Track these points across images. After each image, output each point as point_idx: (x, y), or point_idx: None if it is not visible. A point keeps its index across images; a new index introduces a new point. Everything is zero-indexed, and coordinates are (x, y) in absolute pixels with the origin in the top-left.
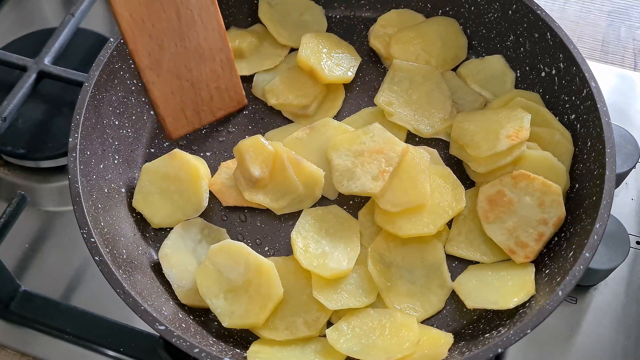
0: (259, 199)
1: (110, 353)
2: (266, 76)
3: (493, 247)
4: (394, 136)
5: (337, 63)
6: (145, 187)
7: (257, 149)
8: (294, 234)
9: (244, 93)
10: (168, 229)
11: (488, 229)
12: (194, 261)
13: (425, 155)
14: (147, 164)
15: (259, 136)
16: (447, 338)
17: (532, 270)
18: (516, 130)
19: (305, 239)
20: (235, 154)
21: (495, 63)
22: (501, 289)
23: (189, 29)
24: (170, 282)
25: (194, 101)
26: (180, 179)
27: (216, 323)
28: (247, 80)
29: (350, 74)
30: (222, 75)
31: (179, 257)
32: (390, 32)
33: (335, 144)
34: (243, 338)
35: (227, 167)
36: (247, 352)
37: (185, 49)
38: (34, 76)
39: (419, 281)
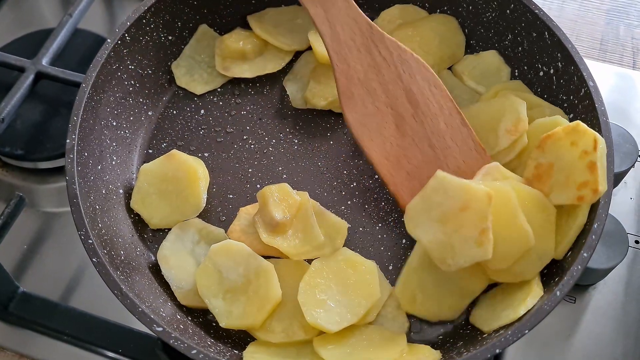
0: (277, 242)
1: (109, 354)
2: (294, 86)
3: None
4: (464, 180)
5: None
6: (143, 188)
7: (283, 194)
8: (316, 262)
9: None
10: (166, 230)
11: (553, 200)
12: (192, 262)
13: (510, 192)
14: (145, 165)
15: (286, 184)
16: (435, 355)
17: (536, 276)
18: (514, 123)
19: (317, 274)
20: (259, 197)
21: (491, 58)
22: (511, 302)
23: (446, 156)
24: (170, 283)
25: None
26: (179, 179)
27: (214, 324)
28: (250, 81)
29: None
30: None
31: (178, 258)
32: (391, 28)
33: (410, 216)
34: (241, 339)
35: (247, 212)
36: (244, 352)
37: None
38: (31, 77)
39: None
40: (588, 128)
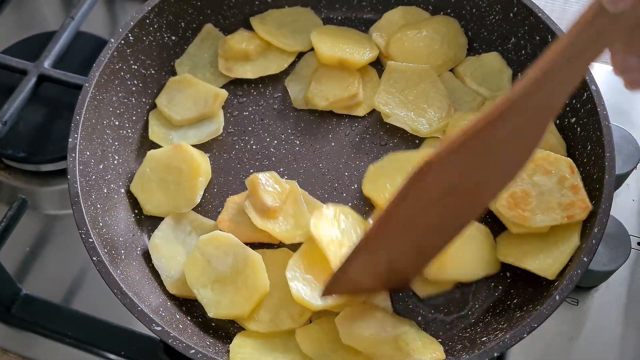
0: (270, 226)
1: (111, 356)
2: (296, 86)
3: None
4: None
5: (355, 46)
6: (145, 173)
7: (272, 182)
8: (306, 244)
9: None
10: None
11: (537, 223)
12: (183, 252)
13: None
14: (152, 150)
15: (274, 172)
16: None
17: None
18: None
19: (306, 255)
20: (248, 184)
21: (492, 60)
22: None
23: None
24: (159, 272)
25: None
26: (181, 171)
27: (214, 324)
28: (252, 82)
29: (375, 52)
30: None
31: (169, 248)
32: (393, 29)
33: None
34: None
35: (234, 202)
36: (231, 345)
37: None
38: (34, 80)
39: None
40: (558, 156)
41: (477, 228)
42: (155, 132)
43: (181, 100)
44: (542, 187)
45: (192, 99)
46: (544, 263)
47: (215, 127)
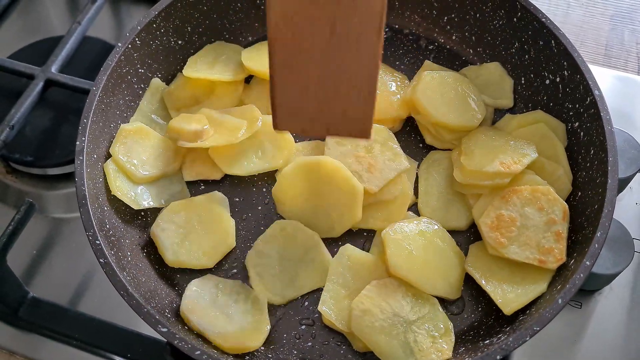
0: (199, 143)
1: (118, 359)
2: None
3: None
4: None
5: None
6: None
7: (185, 118)
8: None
9: (371, 129)
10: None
11: (509, 253)
12: (217, 313)
13: None
14: (173, 203)
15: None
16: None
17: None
18: (511, 162)
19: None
20: (170, 131)
21: (494, 70)
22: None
23: (339, 49)
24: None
25: (314, 108)
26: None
27: None
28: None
29: None
30: (355, 103)
31: (204, 312)
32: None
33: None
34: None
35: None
36: None
37: (327, 62)
38: (41, 84)
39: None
40: (558, 197)
41: (455, 251)
42: (119, 186)
43: (140, 153)
44: (529, 221)
45: (151, 152)
46: (505, 296)
47: (179, 187)
